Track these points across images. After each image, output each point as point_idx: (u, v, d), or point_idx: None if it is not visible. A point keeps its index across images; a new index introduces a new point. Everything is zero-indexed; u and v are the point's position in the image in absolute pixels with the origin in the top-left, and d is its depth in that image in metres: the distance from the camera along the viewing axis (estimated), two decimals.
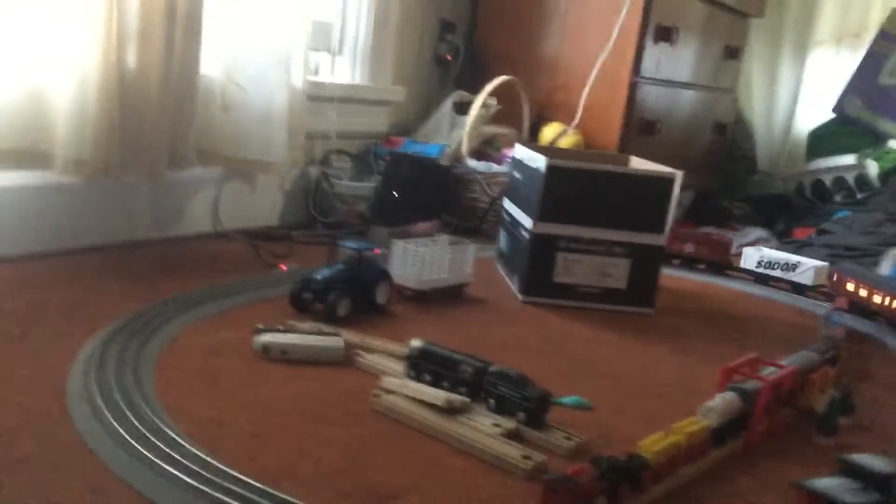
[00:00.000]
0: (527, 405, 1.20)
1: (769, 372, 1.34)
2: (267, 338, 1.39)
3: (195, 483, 0.94)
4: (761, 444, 1.27)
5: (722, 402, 1.21)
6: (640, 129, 2.84)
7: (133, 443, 1.02)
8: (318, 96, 2.38)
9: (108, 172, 1.78)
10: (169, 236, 2.15)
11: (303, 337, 1.42)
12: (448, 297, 1.92)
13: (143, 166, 1.87)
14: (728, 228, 3.03)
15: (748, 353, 1.37)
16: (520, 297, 1.98)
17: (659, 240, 1.96)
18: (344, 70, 2.68)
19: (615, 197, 1.93)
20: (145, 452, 1.00)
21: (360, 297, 1.68)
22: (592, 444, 1.21)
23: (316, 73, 2.59)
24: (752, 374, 1.31)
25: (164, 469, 0.97)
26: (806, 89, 3.65)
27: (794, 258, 2.40)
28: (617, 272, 1.96)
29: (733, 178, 3.38)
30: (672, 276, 2.35)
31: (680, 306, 2.11)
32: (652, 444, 1.07)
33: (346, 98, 2.52)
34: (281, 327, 1.45)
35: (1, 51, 1.65)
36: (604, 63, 2.75)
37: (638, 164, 2.23)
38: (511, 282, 2.09)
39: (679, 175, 1.94)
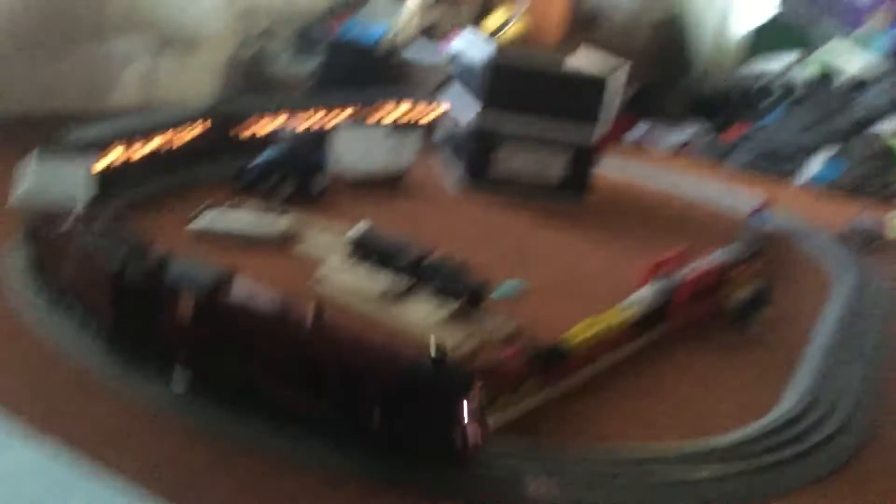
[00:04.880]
0: (465, 294, 1.25)
1: (692, 267, 1.41)
2: (209, 220, 1.40)
3: None
4: (681, 335, 1.35)
5: (645, 295, 1.28)
6: (584, 20, 2.82)
7: None
8: None
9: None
10: (103, 107, 2.08)
11: (245, 219, 1.43)
12: (389, 184, 1.93)
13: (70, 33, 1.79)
14: (663, 124, 3.08)
15: (675, 249, 1.44)
16: (461, 188, 2.01)
17: (595, 135, 1.99)
18: None
19: (556, 92, 1.94)
20: None
21: (301, 180, 1.68)
22: (525, 330, 1.27)
23: None
24: (676, 270, 1.38)
25: None
26: None
27: None
28: (555, 165, 1.99)
29: (673, 73, 3.40)
30: (611, 171, 2.39)
31: (616, 201, 2.17)
32: (578, 333, 1.14)
33: None
34: (225, 206, 1.45)
35: None
36: None
37: (582, 56, 2.23)
38: (452, 172, 2.11)
39: (621, 70, 1.96)
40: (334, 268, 1.31)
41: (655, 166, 2.60)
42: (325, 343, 0.89)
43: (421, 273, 1.30)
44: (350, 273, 1.29)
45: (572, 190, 2.02)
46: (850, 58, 3.10)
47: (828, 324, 1.50)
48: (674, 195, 2.36)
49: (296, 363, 0.89)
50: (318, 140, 1.77)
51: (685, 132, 3.02)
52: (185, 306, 0.93)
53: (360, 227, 1.37)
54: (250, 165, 1.63)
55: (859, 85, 3.02)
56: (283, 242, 1.43)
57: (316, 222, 1.53)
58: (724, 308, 1.45)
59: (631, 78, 2.66)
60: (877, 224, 2.11)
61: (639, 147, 2.93)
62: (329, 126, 1.95)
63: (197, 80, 2.33)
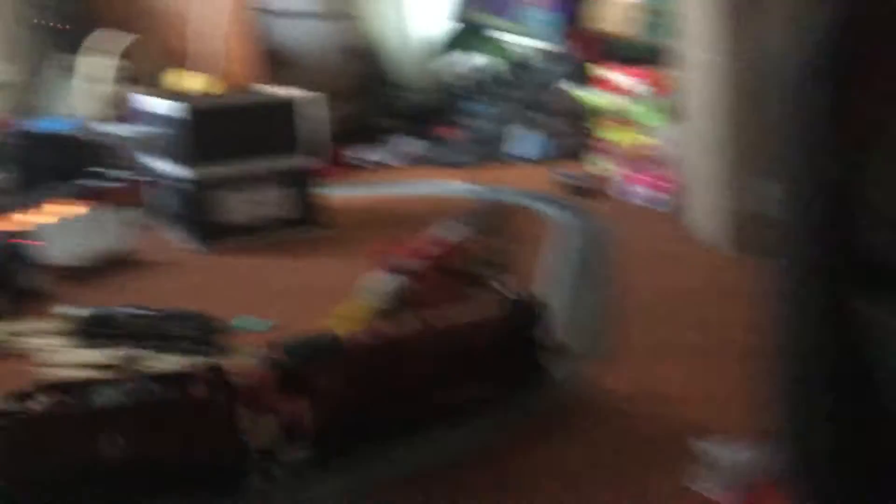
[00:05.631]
0: (196, 336, 1.19)
1: (425, 248, 1.45)
2: None
3: None
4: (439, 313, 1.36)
5: (385, 282, 1.29)
6: (276, 62, 2.85)
7: None
8: None
9: None
10: None
11: None
12: (114, 266, 1.81)
13: None
14: (379, 142, 3.16)
15: (396, 238, 1.47)
16: (189, 247, 1.93)
17: (307, 161, 2.00)
18: None
19: (252, 127, 1.94)
20: None
21: (4, 286, 1.53)
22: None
23: None
24: (406, 253, 1.41)
25: None
26: (424, 4, 3.88)
27: None
28: (277, 199, 1.96)
29: (380, 96, 3.51)
30: (342, 195, 2.40)
31: (353, 220, 2.17)
32: (334, 326, 1.12)
33: None
34: None
35: None
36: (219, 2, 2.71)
37: (272, 92, 2.23)
38: (177, 235, 2.02)
39: (315, 98, 1.98)
40: (55, 357, 1.20)
41: (383, 181, 2.67)
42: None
43: (153, 333, 1.23)
44: (73, 356, 1.19)
45: (305, 219, 2.00)
46: (522, 43, 3.39)
47: (563, 264, 1.61)
48: (405, 199, 2.43)
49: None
50: (14, 242, 1.62)
51: (401, 145, 3.14)
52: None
53: (76, 310, 1.27)
54: None
55: (535, 64, 3.31)
56: None
57: (34, 319, 1.41)
58: (468, 279, 1.50)
59: (336, 107, 2.72)
60: (583, 174, 2.32)
61: (363, 169, 2.99)
62: (32, 223, 1.80)
63: None
